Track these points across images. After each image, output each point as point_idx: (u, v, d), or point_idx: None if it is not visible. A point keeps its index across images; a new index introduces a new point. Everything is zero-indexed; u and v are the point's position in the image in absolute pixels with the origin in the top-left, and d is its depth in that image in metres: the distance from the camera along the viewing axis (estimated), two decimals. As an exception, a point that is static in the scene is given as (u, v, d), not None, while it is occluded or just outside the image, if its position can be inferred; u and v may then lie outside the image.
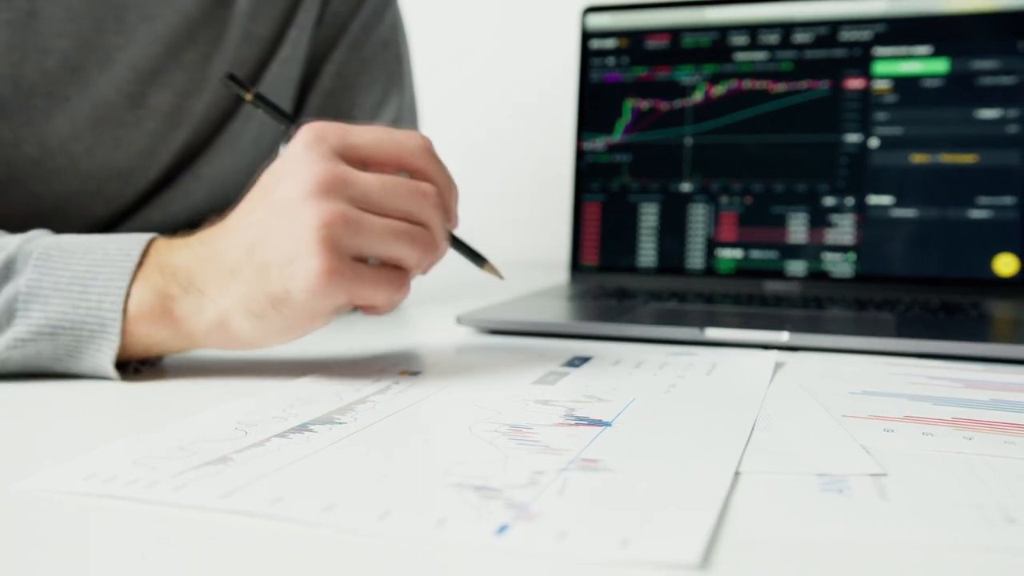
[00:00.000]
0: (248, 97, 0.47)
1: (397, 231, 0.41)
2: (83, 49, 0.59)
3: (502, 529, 0.24)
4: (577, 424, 0.35)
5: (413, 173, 0.44)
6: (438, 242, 0.43)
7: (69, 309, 0.42)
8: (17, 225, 0.62)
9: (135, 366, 0.45)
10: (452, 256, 0.48)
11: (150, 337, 0.42)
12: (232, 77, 0.47)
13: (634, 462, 0.30)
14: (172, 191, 0.67)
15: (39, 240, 0.44)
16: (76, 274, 0.42)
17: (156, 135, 0.64)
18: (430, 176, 0.44)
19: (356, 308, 0.44)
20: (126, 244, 0.43)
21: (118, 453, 0.30)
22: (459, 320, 0.60)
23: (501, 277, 0.50)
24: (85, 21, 0.58)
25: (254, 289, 0.41)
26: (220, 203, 0.70)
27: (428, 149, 0.44)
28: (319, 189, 0.40)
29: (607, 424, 0.35)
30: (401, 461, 0.30)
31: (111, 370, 0.42)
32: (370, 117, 0.74)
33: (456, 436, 0.34)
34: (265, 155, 0.72)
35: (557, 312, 0.65)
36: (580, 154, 0.91)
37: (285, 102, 0.72)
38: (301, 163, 0.41)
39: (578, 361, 0.49)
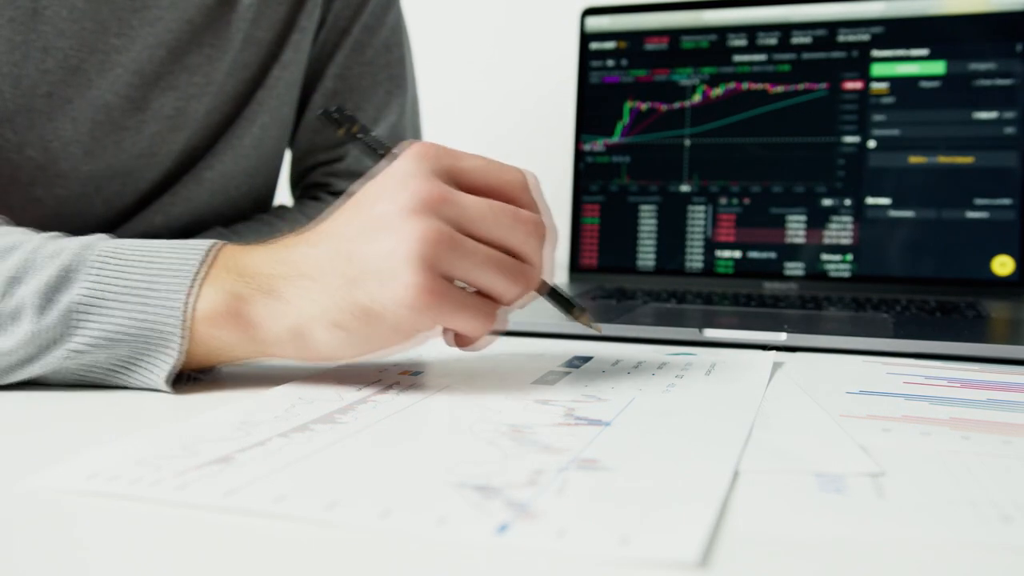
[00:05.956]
0: (340, 133, 0.46)
1: (498, 261, 0.39)
2: (83, 50, 0.59)
3: (502, 528, 0.24)
4: (577, 424, 0.35)
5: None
6: (537, 278, 0.41)
7: (127, 320, 0.40)
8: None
9: (191, 374, 0.42)
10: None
11: (215, 340, 0.40)
12: (327, 114, 0.46)
13: (633, 461, 0.30)
14: (174, 194, 0.67)
15: (97, 246, 0.41)
16: (134, 283, 0.40)
17: (157, 137, 0.64)
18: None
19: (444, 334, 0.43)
20: (185, 253, 0.41)
21: (121, 452, 0.31)
22: (459, 321, 0.60)
23: (598, 331, 0.49)
24: (87, 22, 0.58)
25: (341, 299, 0.39)
26: (222, 206, 0.70)
27: (535, 185, 0.42)
28: (421, 205, 0.38)
29: (606, 424, 0.35)
30: (402, 460, 0.31)
31: (163, 385, 0.40)
32: (373, 119, 0.74)
33: (456, 436, 0.34)
34: (268, 158, 0.72)
35: (556, 312, 0.65)
36: (579, 155, 0.91)
37: (288, 105, 0.72)
38: (404, 179, 0.39)
39: (578, 361, 0.49)
